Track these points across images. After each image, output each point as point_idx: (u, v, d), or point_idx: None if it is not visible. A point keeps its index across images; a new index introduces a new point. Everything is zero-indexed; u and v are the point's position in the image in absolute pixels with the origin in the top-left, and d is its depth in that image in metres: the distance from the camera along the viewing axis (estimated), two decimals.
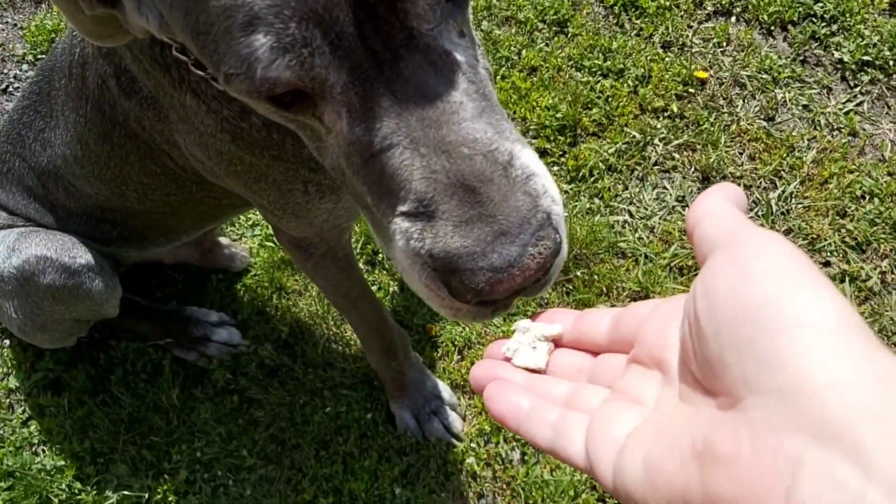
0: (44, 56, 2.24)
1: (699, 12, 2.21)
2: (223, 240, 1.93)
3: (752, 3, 2.19)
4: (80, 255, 1.45)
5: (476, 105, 0.63)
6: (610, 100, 2.08)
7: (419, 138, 0.61)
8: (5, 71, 2.25)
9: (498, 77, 2.15)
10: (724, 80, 2.09)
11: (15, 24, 2.32)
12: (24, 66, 2.25)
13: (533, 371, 0.57)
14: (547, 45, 2.20)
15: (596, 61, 2.14)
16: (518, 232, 0.60)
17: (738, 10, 2.20)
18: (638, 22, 2.21)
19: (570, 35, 2.21)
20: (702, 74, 2.08)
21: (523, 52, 2.19)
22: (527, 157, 0.64)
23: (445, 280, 0.62)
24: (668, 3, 2.21)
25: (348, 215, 1.21)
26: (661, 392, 0.47)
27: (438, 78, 0.62)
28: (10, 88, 2.22)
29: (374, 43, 0.60)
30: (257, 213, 1.97)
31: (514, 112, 2.09)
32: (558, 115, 2.05)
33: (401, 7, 0.59)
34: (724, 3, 2.21)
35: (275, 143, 1.01)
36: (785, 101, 2.06)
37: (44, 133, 1.41)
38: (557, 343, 0.58)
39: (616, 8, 2.23)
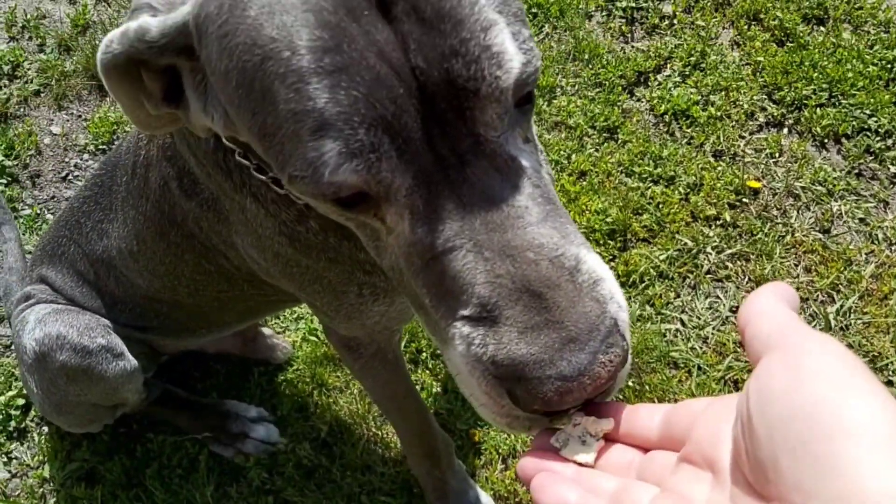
0: (104, 147, 2.31)
1: (751, 123, 2.22)
2: (266, 330, 1.92)
3: (805, 115, 2.19)
4: (100, 336, 1.45)
5: (541, 209, 0.62)
6: (661, 206, 2.07)
7: (483, 242, 0.60)
8: (67, 160, 2.31)
9: None
10: (777, 191, 2.07)
11: (79, 116, 2.41)
12: (85, 156, 2.31)
13: (581, 465, 0.55)
14: (597, 150, 2.22)
15: (646, 168, 2.14)
16: (587, 339, 0.57)
17: (791, 121, 2.21)
18: (689, 131, 2.21)
19: (620, 141, 2.23)
20: (755, 184, 2.07)
21: (573, 156, 2.20)
22: (593, 262, 0.62)
23: (509, 389, 0.59)
24: (718, 114, 2.22)
25: (400, 318, 1.19)
26: (711, 494, 0.46)
27: (504, 183, 0.62)
28: (70, 177, 2.28)
29: (440, 147, 0.60)
30: (303, 306, 1.96)
31: None
32: (608, 220, 2.03)
33: (469, 115, 0.60)
34: (775, 114, 2.21)
35: (331, 246, 1.01)
36: (841, 213, 2.02)
37: (102, 224, 1.43)
38: (607, 437, 0.56)
39: (666, 117, 2.25)
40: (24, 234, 2.11)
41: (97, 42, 2.52)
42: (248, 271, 1.21)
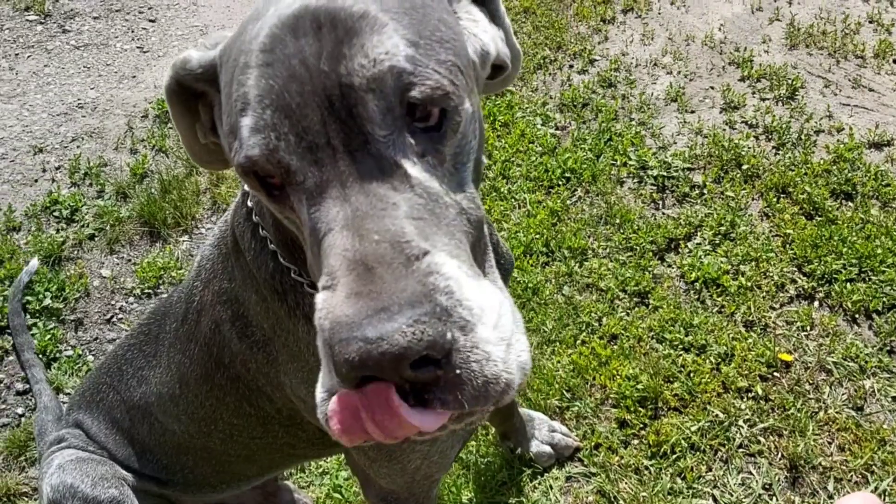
0: (150, 291, 2.40)
1: (781, 295, 2.24)
2: (289, 484, 1.91)
3: (835, 289, 2.21)
4: (112, 487, 1.47)
5: (411, 211, 0.68)
6: (692, 375, 2.06)
7: (348, 225, 0.67)
8: (113, 302, 2.40)
9: (578, 342, 2.17)
10: (809, 365, 2.06)
11: (129, 260, 2.51)
12: (131, 300, 2.40)
13: None
14: (628, 314, 2.24)
15: (677, 335, 2.15)
16: (398, 311, 0.61)
17: (821, 295, 2.23)
18: (719, 299, 2.24)
19: (651, 307, 2.26)
20: (786, 357, 2.07)
21: (604, 319, 2.23)
22: (444, 263, 0.65)
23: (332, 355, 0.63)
24: (749, 284, 2.25)
25: (441, 463, 1.21)
26: None
27: (383, 182, 0.69)
28: (115, 319, 2.35)
29: (335, 142, 0.69)
30: (329, 460, 1.96)
31: (594, 379, 2.09)
32: (639, 387, 2.03)
33: (355, 112, 0.68)
34: (806, 287, 2.24)
35: None
36: (873, 391, 2.00)
37: (143, 371, 1.48)
38: None
39: (697, 284, 2.28)
40: (63, 376, 2.16)
41: (152, 190, 2.68)
42: (289, 413, 1.24)
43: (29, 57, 3.41)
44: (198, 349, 1.29)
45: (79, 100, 3.15)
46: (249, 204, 1.08)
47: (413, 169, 0.70)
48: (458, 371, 0.62)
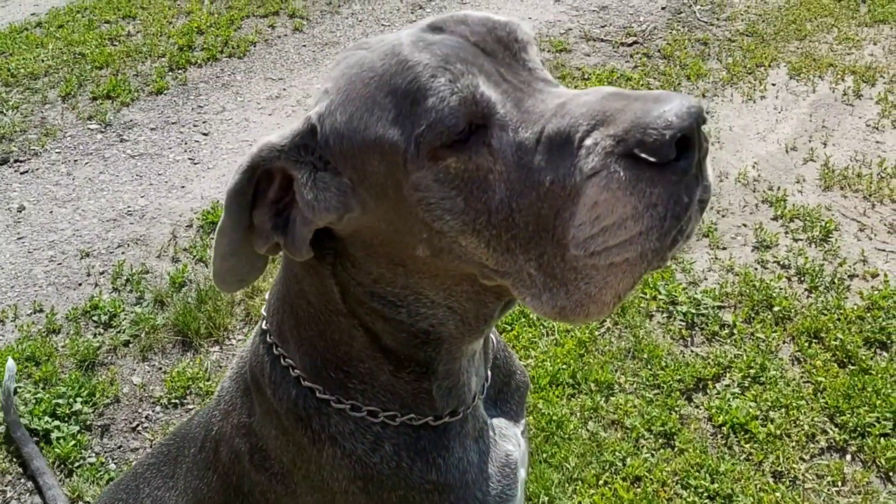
0: (177, 401, 2.43)
1: (812, 445, 2.18)
2: None
3: (868, 444, 2.15)
4: None
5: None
6: None
7: (566, 101, 0.75)
8: (140, 410, 2.43)
9: (601, 482, 2.13)
10: None
11: (160, 368, 2.56)
12: (157, 409, 2.43)
13: None
14: (652, 455, 2.20)
15: (703, 482, 2.10)
16: (667, 93, 0.70)
17: (853, 448, 2.16)
18: (747, 446, 2.19)
19: (676, 449, 2.21)
20: None
21: (628, 459, 2.19)
22: None
23: (640, 150, 0.67)
24: (778, 432, 2.20)
25: None
26: None
27: (553, 87, 0.82)
28: (140, 428, 2.38)
29: (510, 78, 0.80)
30: None
31: None
32: None
33: (521, 56, 0.83)
34: (837, 439, 2.18)
35: (404, 472, 1.04)
36: None
37: (159, 491, 1.48)
38: None
39: (724, 428, 2.24)
40: (85, 484, 2.17)
41: (190, 300, 2.75)
42: None
43: (86, 164, 3.59)
44: (216, 477, 1.30)
45: (129, 207, 3.29)
46: (269, 339, 1.11)
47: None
48: (708, 146, 0.73)
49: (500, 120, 0.77)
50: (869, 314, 2.55)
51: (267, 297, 1.15)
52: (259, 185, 0.91)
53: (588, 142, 0.71)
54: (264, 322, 1.12)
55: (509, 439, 1.20)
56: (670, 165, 0.68)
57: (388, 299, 0.94)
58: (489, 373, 1.18)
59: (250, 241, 0.94)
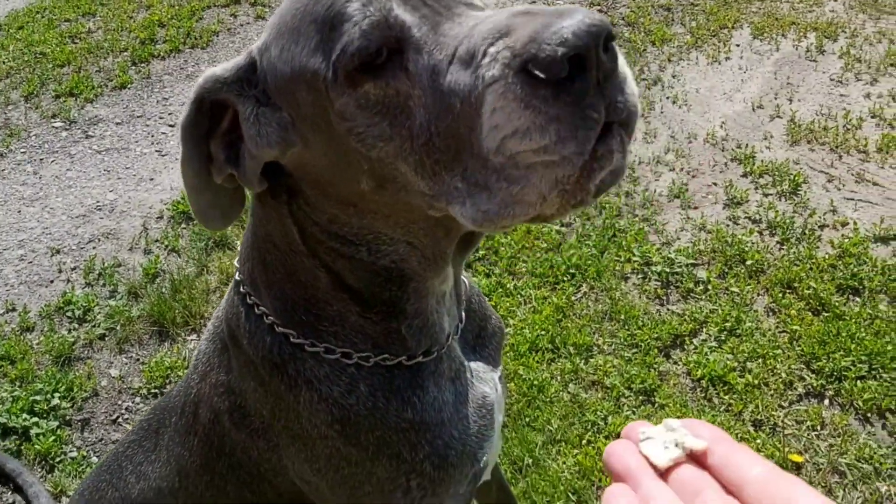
0: (157, 391, 2.41)
1: (790, 393, 2.20)
2: None
3: (846, 387, 2.17)
4: None
5: None
6: None
7: (477, 25, 0.73)
8: (120, 402, 2.41)
9: (584, 442, 2.14)
10: (821, 467, 2.01)
11: (138, 360, 2.54)
12: (137, 399, 2.41)
13: (652, 464, 0.57)
14: (633, 412, 2.21)
15: None
16: (574, 8, 0.67)
17: (831, 393, 2.19)
18: (726, 398, 2.21)
19: (657, 405, 2.23)
20: (797, 458, 2.02)
21: (609, 417, 2.20)
22: None
23: (532, 65, 0.65)
24: (756, 382, 2.22)
25: None
26: None
27: (475, 10, 0.79)
28: (121, 419, 2.36)
29: (432, 3, 0.78)
30: None
31: (601, 481, 2.04)
32: None
33: None
34: (815, 385, 2.20)
35: (380, 412, 1.05)
36: (890, 495, 1.94)
37: (142, 466, 1.48)
38: (699, 459, 0.56)
39: (703, 382, 2.26)
40: (67, 479, 2.16)
41: (164, 290, 2.72)
42: (290, 499, 1.24)
43: (53, 162, 3.54)
44: (197, 440, 1.30)
45: (98, 202, 3.26)
46: (242, 289, 1.11)
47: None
48: (615, 65, 0.69)
49: (415, 43, 0.76)
50: (840, 262, 2.58)
51: (239, 247, 1.15)
52: (213, 116, 0.91)
53: (490, 51, 0.70)
54: (237, 273, 1.12)
55: (486, 382, 1.21)
56: (565, 84, 0.66)
57: (347, 238, 0.94)
58: (464, 315, 1.18)
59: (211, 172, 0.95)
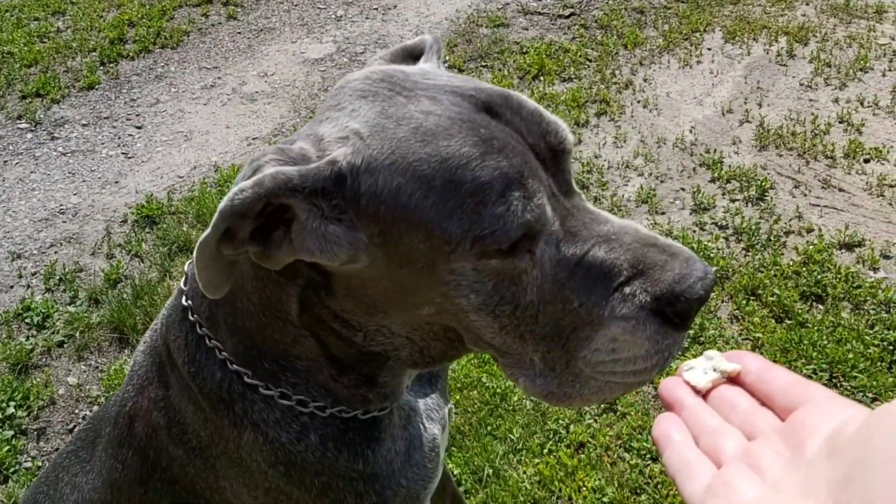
0: None
1: None
2: None
3: None
4: None
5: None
6: (659, 487, 2.01)
7: (605, 234, 0.82)
8: (77, 411, 2.37)
9: (545, 451, 2.13)
10: None
11: (97, 367, 2.50)
12: (95, 408, 2.37)
13: (693, 388, 0.66)
14: (595, 421, 2.21)
15: (645, 443, 2.11)
16: (695, 258, 0.82)
17: None
18: None
19: (618, 413, 2.22)
20: None
21: (571, 426, 2.19)
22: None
23: (667, 312, 0.78)
24: None
25: None
26: (782, 473, 0.52)
27: (583, 202, 0.87)
28: (77, 429, 2.32)
29: (557, 192, 0.84)
30: None
31: (560, 491, 2.03)
32: (605, 500, 1.98)
33: (563, 167, 0.86)
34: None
35: (329, 462, 1.03)
36: None
37: (76, 477, 1.45)
38: (736, 380, 0.65)
39: None
40: (21, 489, 2.12)
41: (125, 296, 2.69)
42: None
43: (17, 164, 3.49)
44: (132, 453, 1.27)
45: (61, 205, 3.21)
46: (192, 318, 1.06)
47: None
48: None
49: (547, 234, 0.82)
50: (804, 268, 2.58)
51: (186, 267, 1.09)
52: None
53: (627, 290, 0.80)
54: (184, 297, 1.06)
55: (436, 422, 1.19)
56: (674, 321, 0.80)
57: (351, 325, 0.92)
58: None
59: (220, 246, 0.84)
